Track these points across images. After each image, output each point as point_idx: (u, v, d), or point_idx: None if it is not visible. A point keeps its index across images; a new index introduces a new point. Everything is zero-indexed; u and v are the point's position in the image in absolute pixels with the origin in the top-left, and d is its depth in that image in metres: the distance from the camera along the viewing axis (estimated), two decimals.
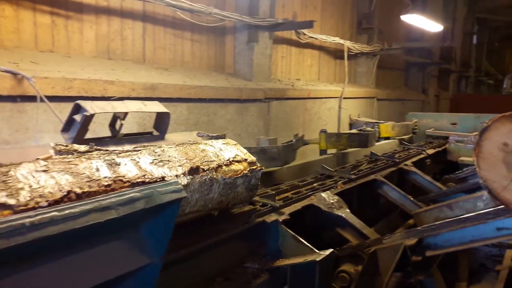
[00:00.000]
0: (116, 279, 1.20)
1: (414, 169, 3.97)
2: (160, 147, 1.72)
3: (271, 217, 2.22)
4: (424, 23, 9.21)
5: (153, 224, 1.19)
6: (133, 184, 1.43)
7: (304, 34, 6.88)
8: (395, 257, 2.18)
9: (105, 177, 1.37)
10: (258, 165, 2.09)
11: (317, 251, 1.98)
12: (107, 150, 1.53)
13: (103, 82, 3.78)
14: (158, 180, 1.53)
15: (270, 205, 2.34)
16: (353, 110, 8.30)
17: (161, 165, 1.61)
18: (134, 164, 1.52)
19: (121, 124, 2.45)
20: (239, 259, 2.14)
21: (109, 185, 1.37)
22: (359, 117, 7.86)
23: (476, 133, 4.90)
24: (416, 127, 6.02)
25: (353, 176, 3.20)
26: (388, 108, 10.16)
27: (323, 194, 2.65)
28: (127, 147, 1.79)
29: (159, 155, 1.65)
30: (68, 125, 2.25)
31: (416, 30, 10.87)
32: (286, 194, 2.64)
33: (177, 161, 1.68)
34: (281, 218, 2.20)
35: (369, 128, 4.65)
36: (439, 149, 5.23)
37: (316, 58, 8.06)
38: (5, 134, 3.29)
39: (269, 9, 5.91)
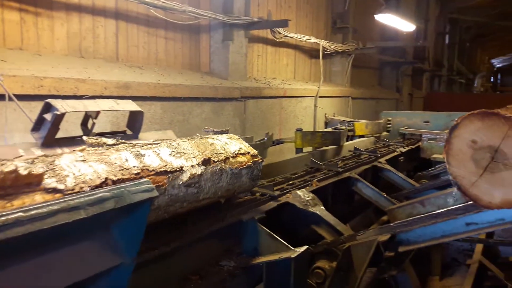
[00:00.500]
0: (87, 280, 1.18)
1: (388, 166, 4.03)
2: (175, 140, 1.92)
3: (247, 215, 2.22)
4: (397, 22, 9.37)
5: (125, 224, 1.17)
6: (158, 173, 1.64)
7: (280, 33, 6.90)
8: (369, 253, 2.21)
9: (134, 166, 1.56)
10: (260, 157, 2.29)
11: (292, 248, 1.99)
12: (131, 143, 1.72)
13: (75, 81, 3.70)
14: (178, 170, 1.73)
15: (269, 194, 2.53)
16: (329, 109, 8.38)
17: (178, 157, 1.80)
18: (156, 155, 1.71)
19: (93, 123, 2.41)
20: (215, 257, 2.14)
21: (138, 173, 1.56)
22: (334, 116, 7.96)
23: (447, 131, 5.02)
24: (389, 125, 6.12)
25: (340, 169, 3.39)
26: (363, 107, 10.30)
27: (298, 192, 2.66)
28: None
29: (175, 148, 1.84)
30: (38, 124, 2.20)
31: (390, 29, 11.06)
32: (281, 186, 2.83)
33: (191, 153, 1.88)
34: (257, 216, 2.21)
35: (343, 127, 4.71)
36: (412, 146, 5.33)
37: (291, 57, 8.10)
38: None
39: (243, 7, 5.90)
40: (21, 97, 3.33)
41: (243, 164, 2.15)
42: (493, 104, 2.95)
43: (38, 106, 2.15)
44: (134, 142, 1.77)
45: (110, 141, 1.67)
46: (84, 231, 1.12)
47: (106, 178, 1.43)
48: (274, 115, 6.84)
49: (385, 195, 3.32)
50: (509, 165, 1.70)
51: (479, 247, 3.66)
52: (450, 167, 1.87)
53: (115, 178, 1.45)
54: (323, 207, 2.63)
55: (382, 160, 4.16)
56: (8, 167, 1.18)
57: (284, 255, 1.95)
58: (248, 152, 2.23)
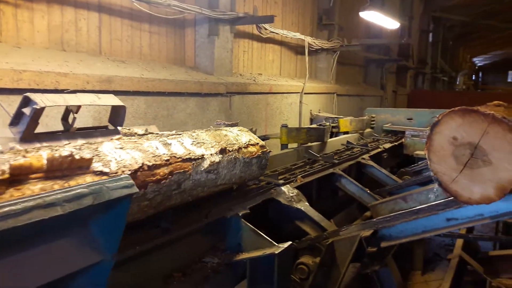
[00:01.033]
0: (66, 277, 1.16)
1: (371, 162, 4.06)
2: (195, 131, 2.13)
3: (231, 212, 2.22)
4: (382, 20, 9.42)
5: (104, 220, 1.15)
6: (183, 160, 1.84)
7: (266, 29, 6.89)
8: (352, 249, 2.22)
9: (164, 153, 1.76)
10: (267, 148, 2.50)
11: (276, 244, 1.99)
12: (158, 133, 1.94)
13: (56, 74, 3.62)
14: (199, 157, 1.93)
15: (274, 183, 2.73)
16: (314, 105, 8.40)
17: (199, 146, 1.99)
18: (180, 144, 1.90)
19: (74, 118, 2.36)
20: (199, 254, 2.12)
21: (168, 160, 1.76)
22: (319, 112, 7.98)
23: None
24: (373, 122, 6.17)
25: (336, 161, 3.61)
26: (348, 104, 10.36)
27: (283, 188, 2.67)
28: (81, 141, 1.79)
29: (195, 138, 2.03)
30: (17, 119, 2.15)
31: (375, 27, 11.12)
32: (284, 175, 3.03)
33: (209, 143, 2.07)
34: (240, 213, 2.20)
35: (327, 123, 4.73)
36: (396, 143, 5.38)
37: (277, 53, 8.09)
38: None
39: (229, 2, 5.86)
40: None
41: (253, 154, 2.35)
42: (475, 101, 2.99)
43: (17, 100, 2.10)
44: (160, 132, 1.97)
45: (140, 131, 1.88)
46: (61, 228, 1.09)
47: (143, 164, 1.62)
48: (260, 111, 6.83)
49: (369, 191, 3.34)
50: (488, 162, 1.73)
51: (459, 242, 3.72)
52: (431, 164, 1.89)
53: (150, 164, 1.65)
54: (307, 203, 2.64)
55: (366, 156, 4.20)
56: (65, 152, 1.34)
57: (268, 251, 1.95)
58: (257, 143, 2.44)
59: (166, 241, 1.90)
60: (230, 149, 2.16)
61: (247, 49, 7.17)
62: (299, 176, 3.07)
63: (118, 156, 1.57)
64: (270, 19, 6.32)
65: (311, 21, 9.20)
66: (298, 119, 7.94)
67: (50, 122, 3.23)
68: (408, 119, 6.09)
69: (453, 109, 1.82)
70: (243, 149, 2.27)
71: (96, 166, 1.46)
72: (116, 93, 3.26)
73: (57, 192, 1.00)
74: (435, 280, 4.49)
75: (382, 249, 2.27)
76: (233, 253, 2.14)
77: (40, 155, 1.29)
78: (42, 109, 2.06)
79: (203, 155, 1.95)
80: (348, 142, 4.65)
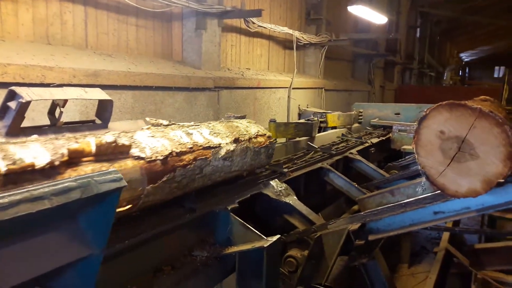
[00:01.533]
0: (54, 271, 1.15)
1: (359, 157, 4.09)
2: (210, 123, 2.35)
3: (219, 206, 2.22)
4: (370, 14, 9.46)
5: (92, 214, 1.14)
6: (204, 148, 2.06)
7: (253, 23, 6.86)
8: (339, 242, 2.24)
9: (187, 142, 1.98)
10: (273, 139, 2.73)
11: (264, 237, 2.00)
12: (180, 124, 2.17)
13: (42, 68, 3.57)
14: (217, 146, 2.16)
15: (279, 171, 2.96)
16: (302, 100, 8.42)
17: (215, 136, 2.21)
18: (199, 134, 2.12)
19: (61, 112, 2.32)
20: (188, 248, 2.12)
21: (191, 148, 1.98)
22: (307, 107, 8.00)
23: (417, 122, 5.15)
24: (361, 117, 6.21)
25: (333, 152, 3.88)
26: (336, 99, 10.40)
27: (271, 182, 2.67)
28: (68, 135, 1.76)
29: (212, 129, 2.25)
30: (2, 113, 2.11)
31: (363, 22, 11.16)
32: (287, 165, 3.25)
33: (224, 133, 2.29)
34: (229, 206, 2.20)
35: (315, 118, 4.75)
36: (383, 138, 5.42)
37: (265, 47, 8.08)
38: None
39: None
40: None
41: (262, 143, 2.57)
42: (462, 96, 3.02)
43: (2, 94, 2.06)
44: (181, 123, 2.18)
45: (165, 122, 2.12)
46: (49, 221, 1.08)
47: (172, 151, 1.82)
48: (248, 106, 6.81)
49: (356, 185, 3.37)
50: (475, 155, 1.75)
51: (446, 236, 3.77)
52: (419, 157, 1.91)
53: (177, 151, 1.86)
54: (295, 197, 2.65)
55: (354, 151, 4.23)
56: (110, 138, 1.52)
57: (257, 244, 1.95)
58: (265, 134, 2.65)
59: (155, 234, 1.90)
60: (242, 139, 2.38)
61: (235, 43, 7.14)
62: (288, 171, 3.08)
63: (151, 144, 1.77)
64: (258, 13, 6.29)
65: (299, 16, 9.19)
66: (286, 114, 7.94)
67: (36, 117, 3.19)
68: (396, 114, 6.14)
69: (440, 103, 1.83)
70: (253, 139, 2.49)
71: (134, 151, 1.65)
72: (103, 87, 3.21)
73: (45, 185, 0.98)
74: (422, 272, 4.56)
75: (370, 242, 2.29)
76: (222, 247, 2.14)
77: (88, 141, 1.47)
78: (28, 103, 2.02)
79: (220, 144, 2.18)
80: (343, 134, 5.00)
